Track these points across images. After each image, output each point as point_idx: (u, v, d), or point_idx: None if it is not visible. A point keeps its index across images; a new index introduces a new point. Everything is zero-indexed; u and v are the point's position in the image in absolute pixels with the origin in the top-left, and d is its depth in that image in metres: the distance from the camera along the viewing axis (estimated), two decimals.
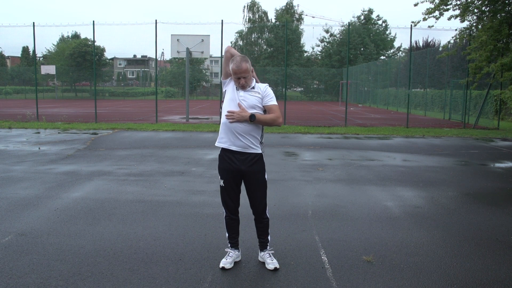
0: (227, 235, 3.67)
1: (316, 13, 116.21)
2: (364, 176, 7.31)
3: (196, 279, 3.34)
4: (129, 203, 5.42)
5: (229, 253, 3.63)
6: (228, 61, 3.49)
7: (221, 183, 3.55)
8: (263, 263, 3.64)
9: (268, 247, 3.68)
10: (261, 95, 3.47)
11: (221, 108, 3.57)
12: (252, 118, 3.37)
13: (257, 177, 3.50)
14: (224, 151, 3.50)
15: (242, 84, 3.41)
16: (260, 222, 3.62)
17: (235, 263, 3.62)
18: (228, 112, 3.41)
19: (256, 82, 3.58)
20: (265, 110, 3.51)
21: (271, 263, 3.56)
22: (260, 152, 3.50)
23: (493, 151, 10.77)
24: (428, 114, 25.44)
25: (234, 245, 3.66)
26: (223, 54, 3.57)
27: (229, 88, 3.53)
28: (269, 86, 3.61)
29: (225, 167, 3.50)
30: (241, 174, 3.48)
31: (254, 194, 3.55)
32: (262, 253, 3.66)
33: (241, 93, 3.46)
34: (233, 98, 3.46)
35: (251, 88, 3.48)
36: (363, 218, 4.93)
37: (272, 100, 3.48)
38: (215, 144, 3.58)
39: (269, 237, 3.70)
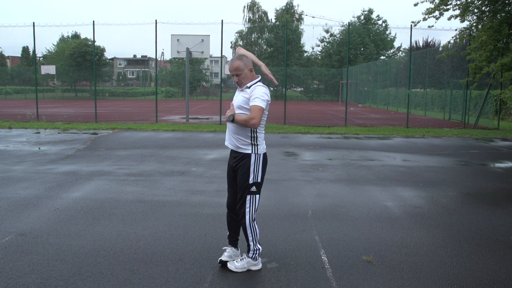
0: (227, 233, 3.69)
1: (316, 13, 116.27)
2: (364, 176, 7.31)
3: (196, 279, 3.35)
4: (129, 203, 5.42)
5: (226, 250, 3.66)
6: None
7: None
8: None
9: (250, 253, 3.51)
10: (249, 95, 3.33)
11: None
12: (230, 118, 3.37)
13: (240, 177, 3.45)
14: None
15: (236, 82, 3.45)
16: (237, 220, 3.59)
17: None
18: None
19: (267, 79, 3.64)
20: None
21: (236, 263, 3.51)
22: (249, 152, 3.39)
23: (493, 151, 10.77)
24: (428, 114, 25.43)
25: (233, 243, 3.66)
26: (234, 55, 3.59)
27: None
28: (269, 86, 3.60)
29: (228, 162, 3.63)
30: (233, 171, 3.54)
31: (237, 193, 3.54)
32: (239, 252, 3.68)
33: (237, 92, 3.52)
34: (234, 98, 3.54)
35: (246, 88, 3.42)
36: (363, 218, 4.93)
37: (254, 101, 3.26)
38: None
39: (252, 244, 3.48)
